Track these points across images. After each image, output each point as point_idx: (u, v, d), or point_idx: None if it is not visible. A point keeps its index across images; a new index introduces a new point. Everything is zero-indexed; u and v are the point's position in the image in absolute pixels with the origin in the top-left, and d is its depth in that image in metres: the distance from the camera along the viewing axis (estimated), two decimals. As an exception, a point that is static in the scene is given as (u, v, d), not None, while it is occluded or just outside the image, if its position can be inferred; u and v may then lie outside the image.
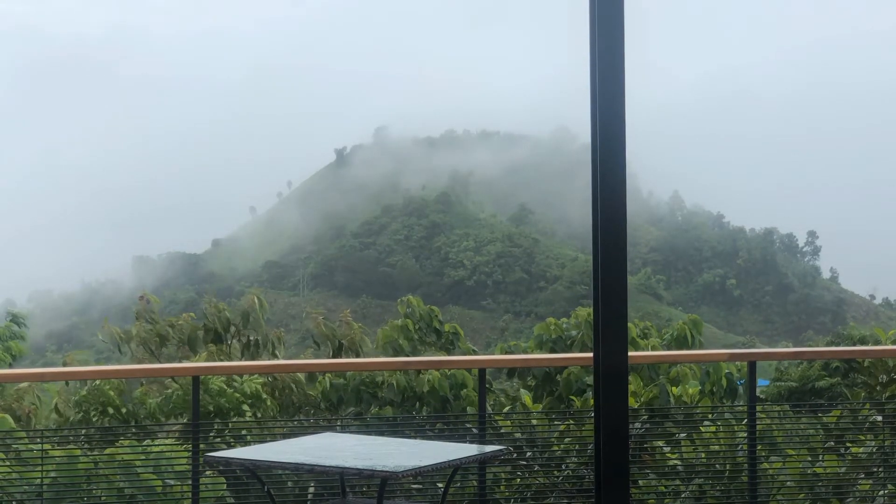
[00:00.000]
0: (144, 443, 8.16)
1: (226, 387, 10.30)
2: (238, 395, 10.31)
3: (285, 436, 8.32)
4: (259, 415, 10.35)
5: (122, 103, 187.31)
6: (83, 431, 9.17)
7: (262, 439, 8.37)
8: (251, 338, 13.59)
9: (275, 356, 13.69)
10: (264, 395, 10.43)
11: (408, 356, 11.52)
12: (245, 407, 10.20)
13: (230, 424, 9.54)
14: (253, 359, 13.42)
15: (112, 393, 10.26)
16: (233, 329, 13.54)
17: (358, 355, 13.90)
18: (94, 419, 10.20)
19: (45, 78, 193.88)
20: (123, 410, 10.30)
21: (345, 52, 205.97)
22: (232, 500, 8.07)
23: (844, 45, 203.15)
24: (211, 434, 8.40)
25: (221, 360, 12.51)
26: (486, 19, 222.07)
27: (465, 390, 10.25)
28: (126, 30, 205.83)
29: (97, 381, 10.30)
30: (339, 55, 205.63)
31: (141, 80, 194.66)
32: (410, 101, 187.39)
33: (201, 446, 7.53)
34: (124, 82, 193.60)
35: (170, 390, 10.57)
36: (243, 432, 8.95)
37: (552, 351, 11.46)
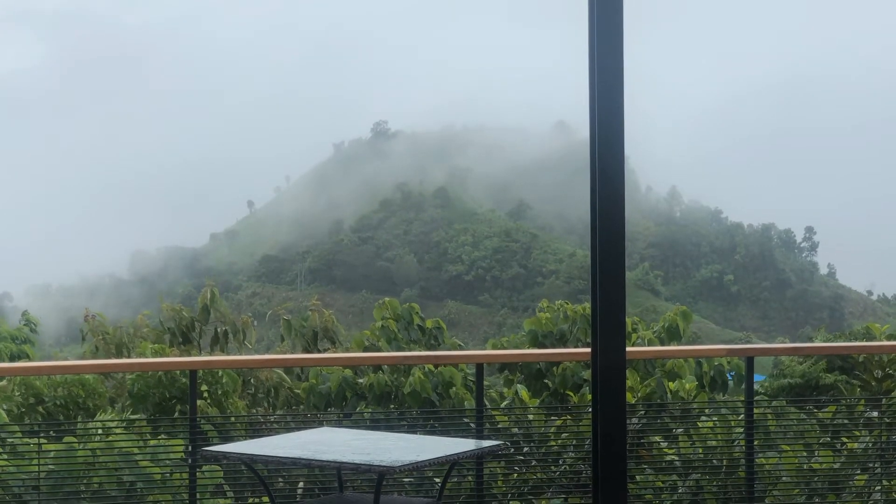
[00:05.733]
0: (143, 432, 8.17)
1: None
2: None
3: (255, 433, 8.33)
4: (220, 392, 10.22)
5: (123, 100, 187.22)
6: (39, 425, 9.13)
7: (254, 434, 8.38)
8: (218, 329, 13.56)
9: (245, 345, 13.68)
10: (221, 373, 10.25)
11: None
12: (204, 387, 10.10)
13: (232, 419, 9.54)
14: (223, 350, 13.42)
15: (38, 383, 10.12)
16: (197, 325, 13.50)
17: (333, 343, 13.93)
18: (26, 412, 10.05)
19: (72, 71, 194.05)
20: (57, 402, 10.15)
21: (341, 48, 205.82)
22: (228, 488, 8.09)
23: (842, 42, 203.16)
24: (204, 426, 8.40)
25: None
26: (484, 13, 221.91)
27: (453, 389, 10.02)
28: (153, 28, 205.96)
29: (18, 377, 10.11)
30: (335, 50, 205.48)
31: (152, 76, 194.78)
32: (408, 95, 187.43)
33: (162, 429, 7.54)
34: (134, 79, 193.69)
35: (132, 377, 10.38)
36: (233, 427, 8.96)
37: (543, 346, 11.40)
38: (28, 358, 14.36)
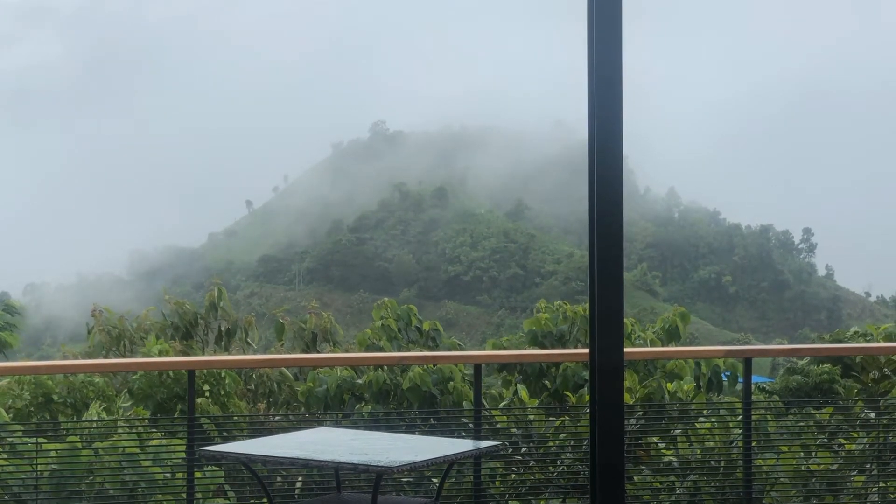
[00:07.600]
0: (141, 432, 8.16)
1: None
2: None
3: (256, 433, 8.34)
4: (222, 392, 10.22)
5: (124, 100, 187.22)
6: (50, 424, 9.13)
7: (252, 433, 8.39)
8: (222, 327, 13.61)
9: (248, 343, 13.72)
10: (223, 373, 10.26)
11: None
12: (206, 387, 10.10)
13: (233, 418, 9.55)
14: (226, 348, 13.45)
15: (50, 383, 10.12)
16: (201, 322, 13.54)
17: (333, 344, 13.96)
18: (35, 411, 10.04)
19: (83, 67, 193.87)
20: (68, 401, 10.16)
21: (340, 47, 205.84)
22: (229, 488, 8.10)
23: (841, 45, 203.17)
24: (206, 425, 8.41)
25: (197, 354, 12.49)
26: (484, 13, 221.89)
27: (451, 383, 10.03)
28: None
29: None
30: (333, 49, 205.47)
31: (154, 77, 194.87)
32: (407, 95, 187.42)
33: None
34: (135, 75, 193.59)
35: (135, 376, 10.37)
36: (236, 428, 8.96)
37: (542, 346, 11.39)
38: (7, 346, 14.23)
